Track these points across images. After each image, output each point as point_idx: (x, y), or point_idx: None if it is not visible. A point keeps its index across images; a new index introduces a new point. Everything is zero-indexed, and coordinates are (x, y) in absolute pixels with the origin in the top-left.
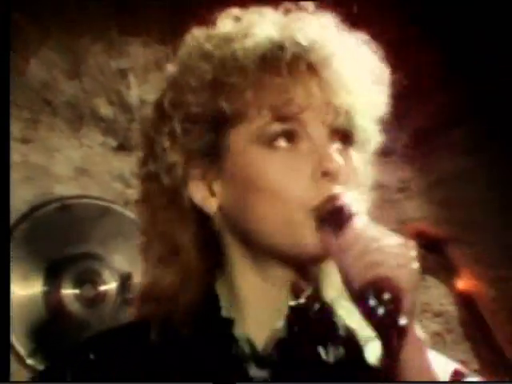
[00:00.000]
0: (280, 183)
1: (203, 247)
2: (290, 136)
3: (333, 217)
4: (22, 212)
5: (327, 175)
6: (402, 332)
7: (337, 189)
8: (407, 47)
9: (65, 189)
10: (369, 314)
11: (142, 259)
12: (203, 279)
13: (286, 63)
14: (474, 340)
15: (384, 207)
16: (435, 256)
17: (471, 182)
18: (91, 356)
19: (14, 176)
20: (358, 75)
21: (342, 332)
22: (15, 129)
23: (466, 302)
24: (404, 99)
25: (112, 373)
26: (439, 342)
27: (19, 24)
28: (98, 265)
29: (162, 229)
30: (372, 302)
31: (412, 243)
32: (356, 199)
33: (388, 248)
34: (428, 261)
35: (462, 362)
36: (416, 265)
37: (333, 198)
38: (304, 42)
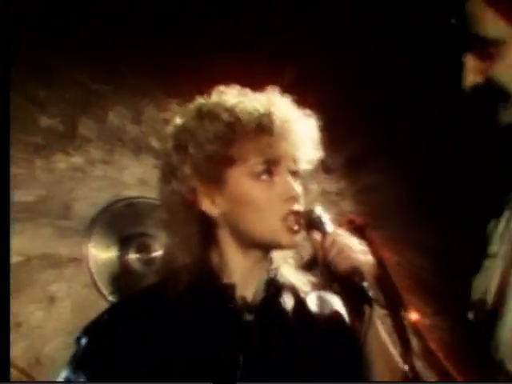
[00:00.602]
0: (261, 203)
1: (203, 238)
2: (270, 173)
3: (314, 223)
4: (103, 207)
5: (292, 199)
6: (371, 301)
7: (297, 207)
8: (344, 109)
9: (130, 192)
10: (352, 288)
11: (166, 242)
12: (204, 258)
13: (276, 128)
14: (384, 293)
15: (327, 206)
16: (359, 237)
17: (384, 189)
18: (135, 305)
19: (96, 186)
20: (306, 138)
21: (288, 285)
22: (98, 155)
23: (378, 265)
24: (341, 137)
25: (146, 319)
26: None
27: (101, 92)
28: (151, 240)
29: (180, 226)
30: (357, 279)
31: (364, 243)
32: (324, 211)
33: (354, 247)
34: None
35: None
36: (371, 258)
37: (310, 212)
38: (281, 115)
